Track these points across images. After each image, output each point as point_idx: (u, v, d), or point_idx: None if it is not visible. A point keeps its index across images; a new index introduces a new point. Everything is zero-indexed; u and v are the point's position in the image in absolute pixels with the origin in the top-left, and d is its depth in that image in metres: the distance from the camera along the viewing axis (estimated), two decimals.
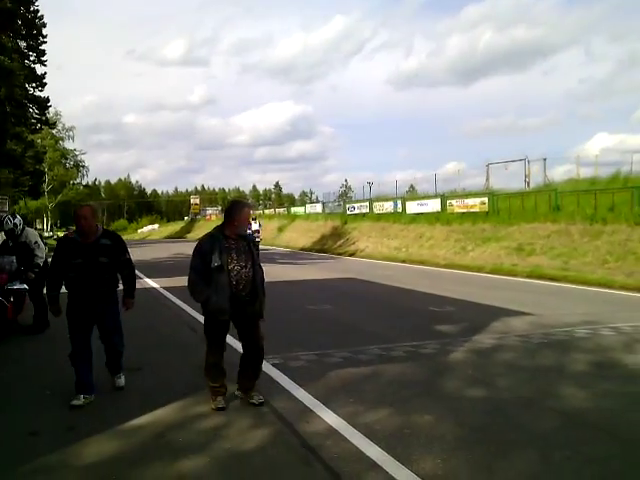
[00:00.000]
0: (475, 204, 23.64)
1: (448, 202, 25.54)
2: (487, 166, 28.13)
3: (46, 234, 60.63)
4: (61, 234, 59.60)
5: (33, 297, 8.43)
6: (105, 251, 5.18)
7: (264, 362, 6.49)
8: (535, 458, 3.94)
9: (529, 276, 16.12)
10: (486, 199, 23.30)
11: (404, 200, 29.41)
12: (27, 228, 8.58)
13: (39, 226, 73.90)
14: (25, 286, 8.12)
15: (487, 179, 27.87)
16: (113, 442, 4.28)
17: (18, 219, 8.32)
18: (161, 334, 8.44)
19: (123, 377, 5.64)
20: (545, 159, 26.52)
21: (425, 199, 28.13)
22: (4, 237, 8.86)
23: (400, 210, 29.00)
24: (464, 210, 24.15)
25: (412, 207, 28.17)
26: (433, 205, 26.50)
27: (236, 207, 5.06)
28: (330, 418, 4.70)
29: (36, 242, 8.33)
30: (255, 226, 22.15)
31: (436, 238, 23.96)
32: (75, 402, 5.04)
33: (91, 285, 5.13)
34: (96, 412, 4.93)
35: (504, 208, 22.52)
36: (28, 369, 6.37)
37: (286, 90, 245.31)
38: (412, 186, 38.61)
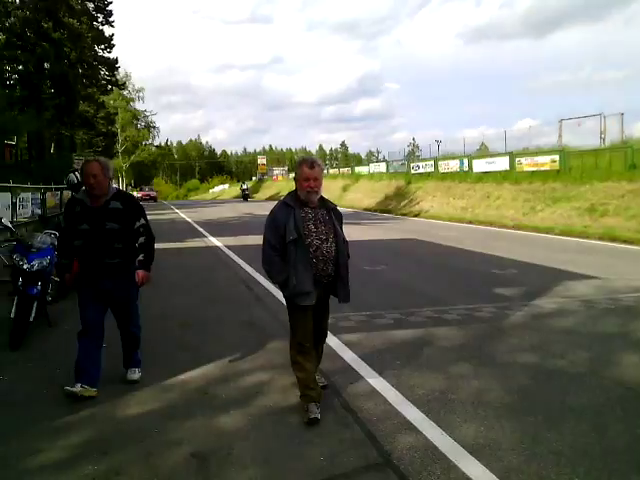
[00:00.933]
0: (545, 162, 22.53)
1: (517, 160, 24.45)
2: (560, 122, 26.65)
3: None
4: (136, 193, 62.04)
5: None
6: (115, 216, 4.36)
7: None
8: (585, 430, 3.74)
9: (601, 238, 15.31)
10: (557, 157, 22.15)
11: (470, 158, 28.41)
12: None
13: (114, 186, 76.54)
14: None
15: (560, 136, 26.42)
16: (158, 396, 4.41)
17: (71, 176, 8.58)
18: (218, 291, 8.58)
19: (138, 372, 4.74)
20: (623, 114, 24.80)
21: (493, 157, 27.08)
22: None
23: (466, 169, 28.10)
24: (534, 168, 23.10)
25: (479, 166, 27.19)
26: (501, 163, 25.46)
27: (296, 166, 4.24)
28: (374, 380, 4.65)
29: None
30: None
31: (504, 198, 23.13)
32: (69, 388, 4.27)
33: (98, 255, 4.33)
34: (147, 366, 4.99)
35: (576, 166, 21.36)
36: None
37: (352, 47, 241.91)
38: (483, 144, 37.30)
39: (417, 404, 4.14)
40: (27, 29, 31.61)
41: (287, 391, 4.43)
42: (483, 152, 31.89)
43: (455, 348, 5.56)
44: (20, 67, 32.40)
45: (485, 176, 26.01)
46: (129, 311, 4.64)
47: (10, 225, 7.17)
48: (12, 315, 5.68)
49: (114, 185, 4.68)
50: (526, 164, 23.76)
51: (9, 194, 11.69)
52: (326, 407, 4.11)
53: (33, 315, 5.81)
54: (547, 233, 17.13)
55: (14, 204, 11.72)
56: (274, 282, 4.20)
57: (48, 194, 16.50)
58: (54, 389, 4.51)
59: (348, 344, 5.62)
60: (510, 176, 24.14)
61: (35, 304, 5.85)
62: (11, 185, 12.74)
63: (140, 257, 4.45)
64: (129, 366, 4.76)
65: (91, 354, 4.42)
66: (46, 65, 32.45)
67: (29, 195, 13.85)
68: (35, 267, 5.90)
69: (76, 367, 4.37)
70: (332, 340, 5.76)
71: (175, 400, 4.30)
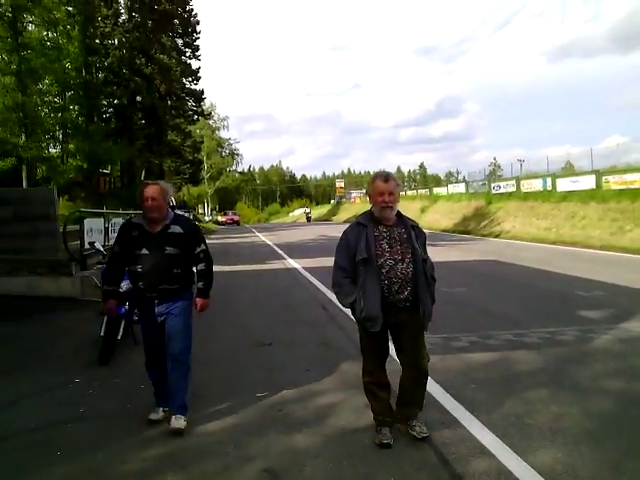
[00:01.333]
0: (635, 180, 21.35)
1: (604, 178, 23.38)
2: None
3: (206, 218, 65.43)
4: (220, 218, 63.96)
5: None
6: (175, 241, 4.20)
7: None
8: None
9: None
10: None
11: (554, 177, 27.45)
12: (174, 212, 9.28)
13: (200, 211, 79.80)
14: None
15: None
16: (234, 412, 4.55)
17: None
18: (294, 312, 8.73)
19: (184, 420, 4.20)
20: None
21: (578, 176, 26.03)
22: None
23: (550, 188, 27.14)
24: (622, 187, 21.97)
25: (563, 185, 26.21)
26: (587, 182, 24.40)
27: (370, 181, 3.99)
28: (448, 403, 4.59)
29: None
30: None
31: (590, 217, 22.14)
32: (153, 416, 4.36)
33: (157, 281, 4.17)
34: (224, 383, 5.26)
35: None
36: None
37: (430, 70, 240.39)
38: (568, 162, 36.05)
39: (492, 428, 4.05)
40: (122, 66, 33.83)
41: (360, 411, 4.44)
42: (568, 171, 30.78)
43: (534, 372, 5.39)
44: (115, 101, 34.61)
45: (570, 195, 25.03)
46: (178, 335, 4.28)
47: (102, 249, 7.64)
48: (102, 333, 6.04)
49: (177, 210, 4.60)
50: (614, 182, 22.70)
51: (102, 219, 12.43)
52: (398, 429, 4.10)
53: (121, 334, 6.16)
54: (637, 254, 16.23)
55: (106, 229, 12.44)
56: (342, 304, 3.99)
57: None
58: (137, 404, 4.76)
59: None
60: (597, 195, 23.11)
61: (122, 323, 6.20)
62: (104, 211, 13.57)
63: (200, 285, 4.36)
64: (175, 410, 4.27)
65: (164, 381, 4.38)
66: (138, 98, 34.51)
67: (120, 220, 14.65)
68: (123, 288, 6.26)
69: (155, 392, 4.49)
70: None
71: (250, 417, 4.43)
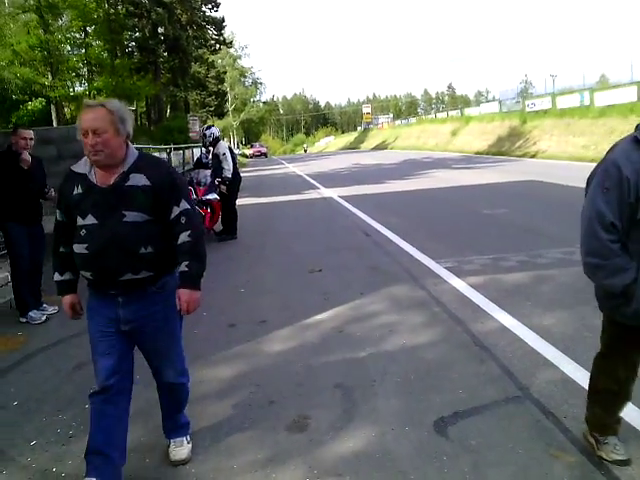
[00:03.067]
0: None
1: None
2: None
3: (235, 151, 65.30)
4: (247, 150, 63.40)
5: (223, 207, 9.29)
6: (138, 199, 2.54)
7: (435, 263, 6.62)
8: None
9: None
10: None
11: (592, 91, 26.44)
12: (220, 141, 9.33)
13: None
14: (217, 197, 8.99)
15: None
16: (299, 334, 4.73)
17: (209, 131, 9.18)
18: (338, 239, 8.86)
19: (187, 446, 2.99)
20: None
21: (618, 88, 24.98)
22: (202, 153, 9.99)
23: (587, 103, 26.20)
24: None
25: (601, 99, 25.26)
26: (627, 95, 23.46)
27: None
28: (505, 319, 4.68)
29: (224, 154, 9.01)
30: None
31: (630, 132, 21.35)
32: None
33: (114, 269, 2.54)
34: (284, 308, 5.43)
35: None
36: (223, 271, 7.10)
37: None
38: (603, 75, 34.61)
39: (551, 341, 4.14)
40: None
41: (417, 330, 4.59)
42: (604, 84, 29.58)
43: (587, 288, 5.35)
44: (137, 34, 34.00)
45: (609, 110, 24.14)
46: (166, 351, 2.83)
47: None
48: None
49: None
50: None
51: None
52: (458, 344, 4.25)
53: None
54: None
55: None
56: (608, 287, 2.52)
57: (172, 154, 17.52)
58: (207, 331, 4.97)
59: (475, 286, 5.64)
60: (637, 108, 22.26)
61: None
62: (137, 146, 13.71)
63: (183, 266, 2.62)
64: (173, 434, 3.03)
65: (111, 424, 2.65)
66: (160, 30, 33.83)
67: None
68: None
69: (89, 443, 2.65)
70: (457, 281, 5.85)
71: (314, 338, 4.60)
